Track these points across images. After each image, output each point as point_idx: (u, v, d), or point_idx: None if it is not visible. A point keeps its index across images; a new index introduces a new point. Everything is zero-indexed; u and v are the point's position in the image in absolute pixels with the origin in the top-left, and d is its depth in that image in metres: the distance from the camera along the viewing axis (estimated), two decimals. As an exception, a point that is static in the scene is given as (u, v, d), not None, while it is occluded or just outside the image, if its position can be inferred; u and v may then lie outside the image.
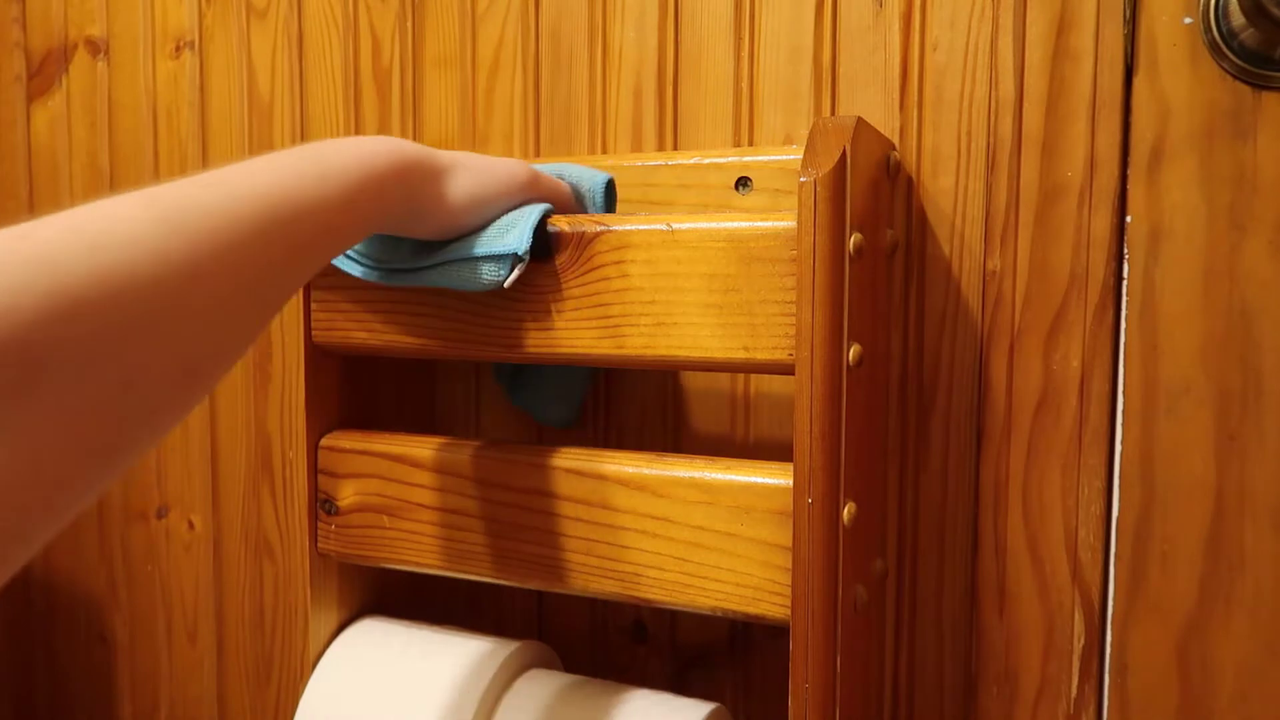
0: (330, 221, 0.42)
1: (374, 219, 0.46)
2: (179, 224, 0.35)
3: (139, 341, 0.32)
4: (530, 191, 0.53)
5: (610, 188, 0.58)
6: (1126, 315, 0.52)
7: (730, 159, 0.57)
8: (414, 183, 0.47)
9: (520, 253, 0.50)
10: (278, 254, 0.39)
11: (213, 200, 0.37)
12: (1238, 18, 0.48)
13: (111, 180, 0.84)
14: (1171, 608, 0.51)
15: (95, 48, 0.84)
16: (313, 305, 0.59)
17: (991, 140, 0.54)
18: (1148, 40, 0.51)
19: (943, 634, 0.57)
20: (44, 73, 0.87)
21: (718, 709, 0.52)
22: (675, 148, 0.63)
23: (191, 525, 0.82)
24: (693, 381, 0.63)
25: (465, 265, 0.51)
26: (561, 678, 0.56)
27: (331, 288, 0.58)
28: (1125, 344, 0.52)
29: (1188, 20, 0.50)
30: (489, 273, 0.50)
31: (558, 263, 0.51)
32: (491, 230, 0.51)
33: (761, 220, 0.47)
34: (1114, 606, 0.53)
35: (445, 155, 0.50)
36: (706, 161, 0.58)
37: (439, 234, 0.51)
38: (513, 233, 0.50)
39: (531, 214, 0.51)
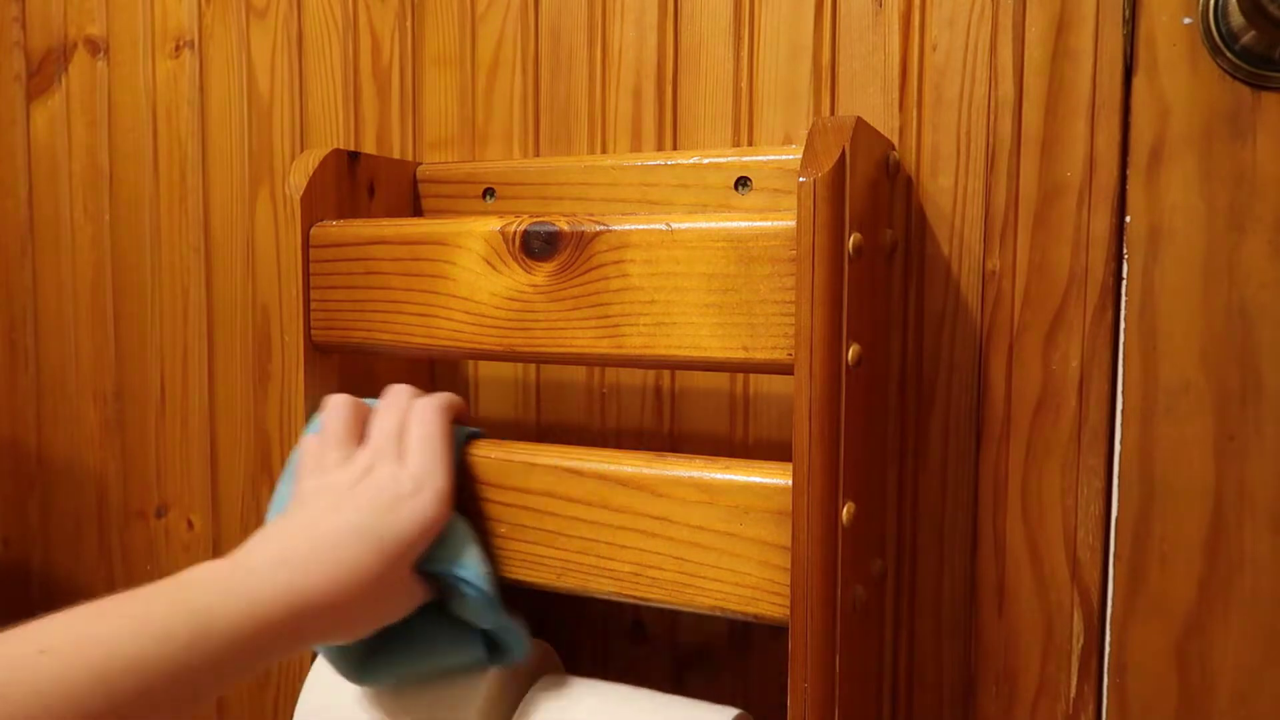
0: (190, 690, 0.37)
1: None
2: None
3: None
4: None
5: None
6: (1126, 315, 0.52)
7: (730, 159, 0.57)
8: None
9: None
10: None
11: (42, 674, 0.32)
12: (1237, 18, 0.48)
13: (111, 179, 0.84)
14: (1171, 608, 0.51)
15: (95, 47, 0.84)
16: (312, 304, 0.59)
17: (991, 140, 0.54)
18: (1147, 40, 0.51)
19: (942, 634, 0.57)
20: (43, 72, 0.87)
21: (740, 715, 0.52)
22: (675, 147, 0.63)
23: (191, 525, 0.82)
24: (692, 381, 0.63)
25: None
26: (576, 683, 0.55)
27: (331, 287, 0.58)
28: (1124, 344, 0.52)
29: (1187, 20, 0.50)
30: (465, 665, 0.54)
31: (556, 262, 0.51)
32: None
33: (761, 220, 0.47)
34: (1113, 606, 0.53)
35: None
36: (706, 161, 0.58)
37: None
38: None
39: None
